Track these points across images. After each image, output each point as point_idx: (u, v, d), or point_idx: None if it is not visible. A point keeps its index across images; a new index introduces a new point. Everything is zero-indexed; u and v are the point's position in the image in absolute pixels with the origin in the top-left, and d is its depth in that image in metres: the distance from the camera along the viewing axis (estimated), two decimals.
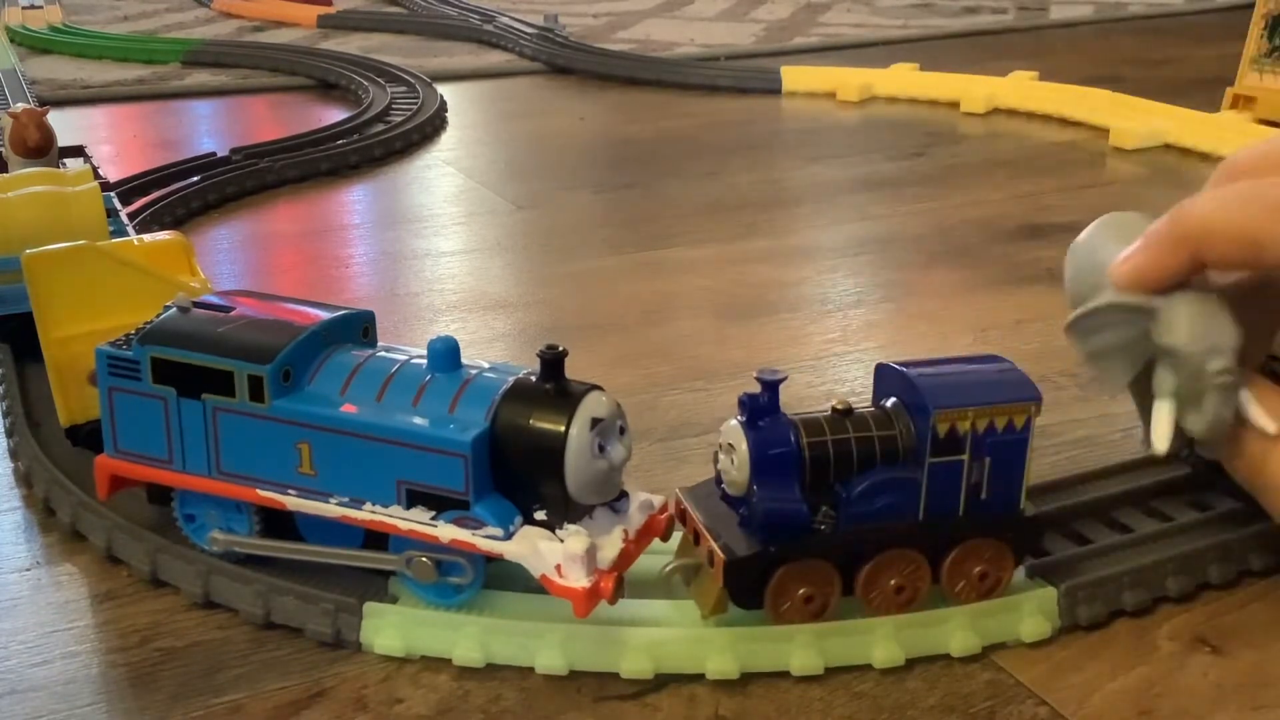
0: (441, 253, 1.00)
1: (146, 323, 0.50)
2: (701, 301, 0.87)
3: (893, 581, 0.47)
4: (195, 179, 1.09)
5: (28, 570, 0.54)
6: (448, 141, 1.34)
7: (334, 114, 1.40)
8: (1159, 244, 0.42)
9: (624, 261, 0.96)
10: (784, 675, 0.47)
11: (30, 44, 1.83)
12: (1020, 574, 0.50)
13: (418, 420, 0.46)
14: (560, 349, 0.46)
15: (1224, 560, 0.52)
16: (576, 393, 0.46)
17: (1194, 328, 0.41)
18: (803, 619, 0.47)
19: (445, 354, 0.47)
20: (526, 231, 1.06)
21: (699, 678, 0.46)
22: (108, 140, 1.37)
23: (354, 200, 1.15)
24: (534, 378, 0.47)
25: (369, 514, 0.47)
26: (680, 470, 0.62)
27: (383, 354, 0.49)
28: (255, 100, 1.57)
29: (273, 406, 0.47)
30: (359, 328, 0.51)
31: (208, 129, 1.47)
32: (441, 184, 1.19)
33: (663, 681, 0.46)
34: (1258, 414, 0.41)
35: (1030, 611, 0.48)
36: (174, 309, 0.50)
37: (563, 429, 0.45)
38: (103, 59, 1.72)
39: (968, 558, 0.48)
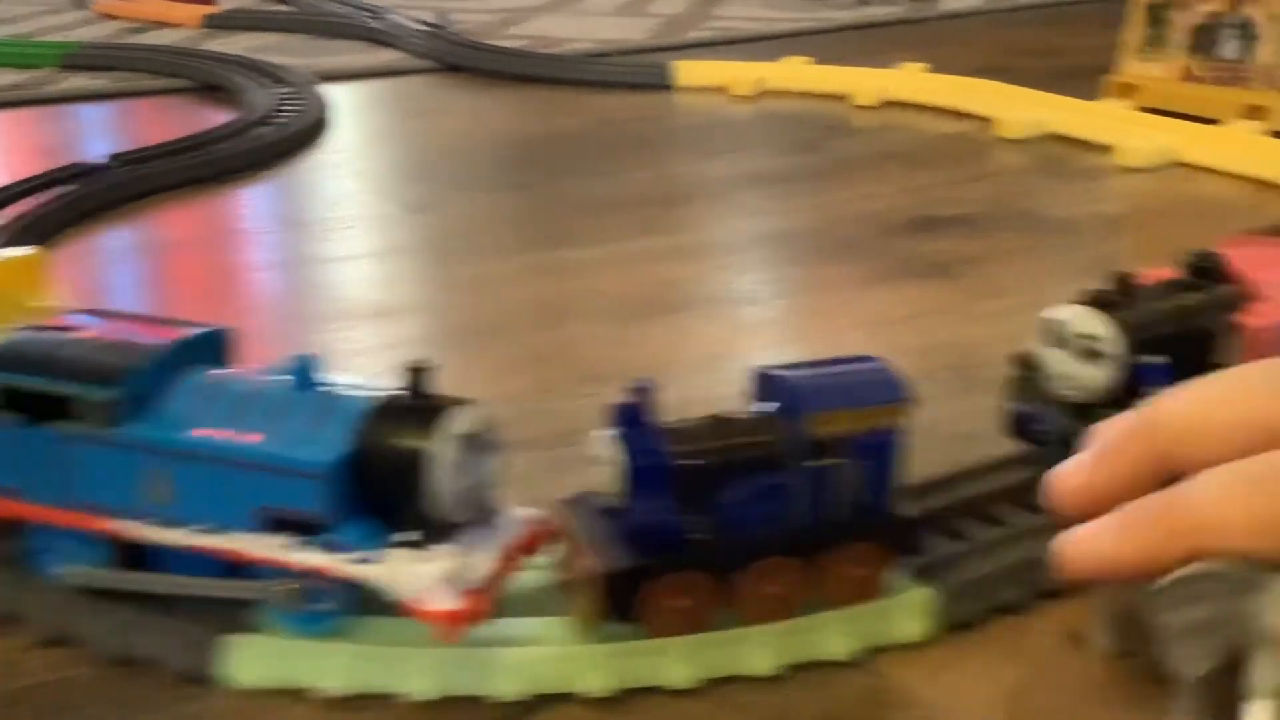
0: (330, 258, 0.97)
1: None
2: (595, 303, 0.86)
3: (770, 589, 0.47)
4: (72, 187, 1.05)
5: None
6: (337, 143, 1.31)
7: (219, 117, 1.36)
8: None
9: (517, 264, 0.94)
10: (661, 690, 0.46)
11: None
12: (898, 577, 0.49)
13: (276, 442, 0.44)
14: (425, 362, 0.45)
15: None
16: (442, 408, 0.44)
17: None
18: (680, 631, 0.46)
19: (304, 372, 0.46)
20: (417, 235, 1.04)
21: (574, 696, 0.45)
22: None
23: (239, 206, 1.12)
24: (400, 394, 0.45)
25: (227, 542, 0.45)
26: (566, 479, 0.60)
27: (239, 374, 0.47)
28: (137, 104, 1.52)
29: (123, 432, 0.45)
30: (216, 346, 0.49)
31: (87, 135, 1.42)
32: (330, 187, 1.17)
33: (538, 702, 0.45)
34: None
35: (908, 613, 0.48)
36: (19, 332, 0.48)
37: (428, 446, 0.43)
38: None
39: (845, 561, 0.48)
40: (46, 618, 0.48)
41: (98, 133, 1.42)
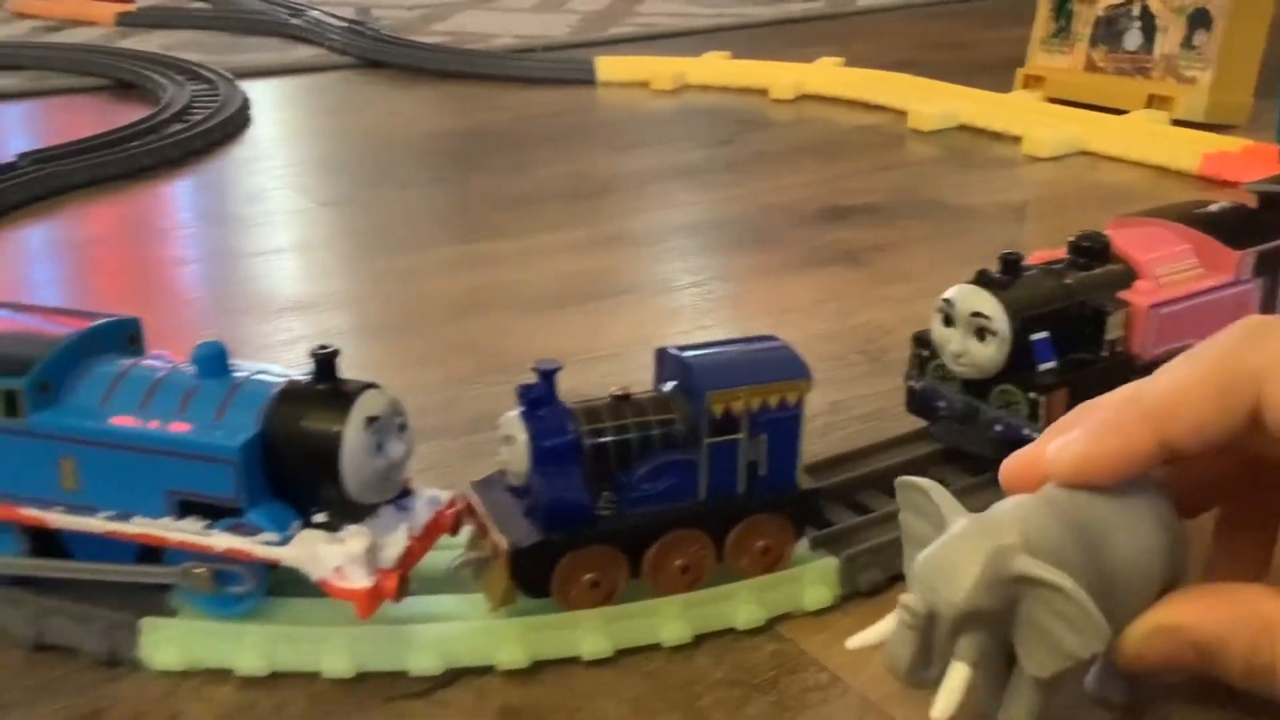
0: (243, 254, 0.97)
1: None
2: (509, 295, 0.87)
3: (678, 562, 0.48)
4: None
5: None
6: (251, 140, 1.31)
7: (132, 114, 1.35)
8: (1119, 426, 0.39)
9: (431, 258, 0.95)
10: (574, 661, 0.47)
11: None
12: (804, 546, 0.51)
13: (184, 428, 0.45)
14: (332, 348, 0.46)
15: None
16: (350, 391, 0.45)
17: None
18: (590, 604, 0.47)
19: (212, 359, 0.46)
20: (335, 229, 1.04)
21: (490, 670, 0.46)
22: None
23: (150, 204, 1.12)
24: (308, 379, 0.46)
25: (138, 527, 0.45)
26: (479, 465, 0.61)
27: (147, 362, 0.47)
28: (49, 103, 1.50)
29: (30, 421, 0.45)
30: (124, 336, 0.50)
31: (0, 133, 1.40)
32: (244, 184, 1.16)
33: (453, 676, 0.46)
34: None
35: (812, 581, 0.50)
36: None
37: (337, 429, 0.44)
38: None
39: (750, 534, 0.49)
40: None
41: (10, 131, 1.40)
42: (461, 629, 0.47)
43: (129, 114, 1.35)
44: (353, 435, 0.44)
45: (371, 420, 0.45)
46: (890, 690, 0.45)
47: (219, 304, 0.86)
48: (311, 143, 1.33)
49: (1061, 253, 0.59)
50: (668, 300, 0.85)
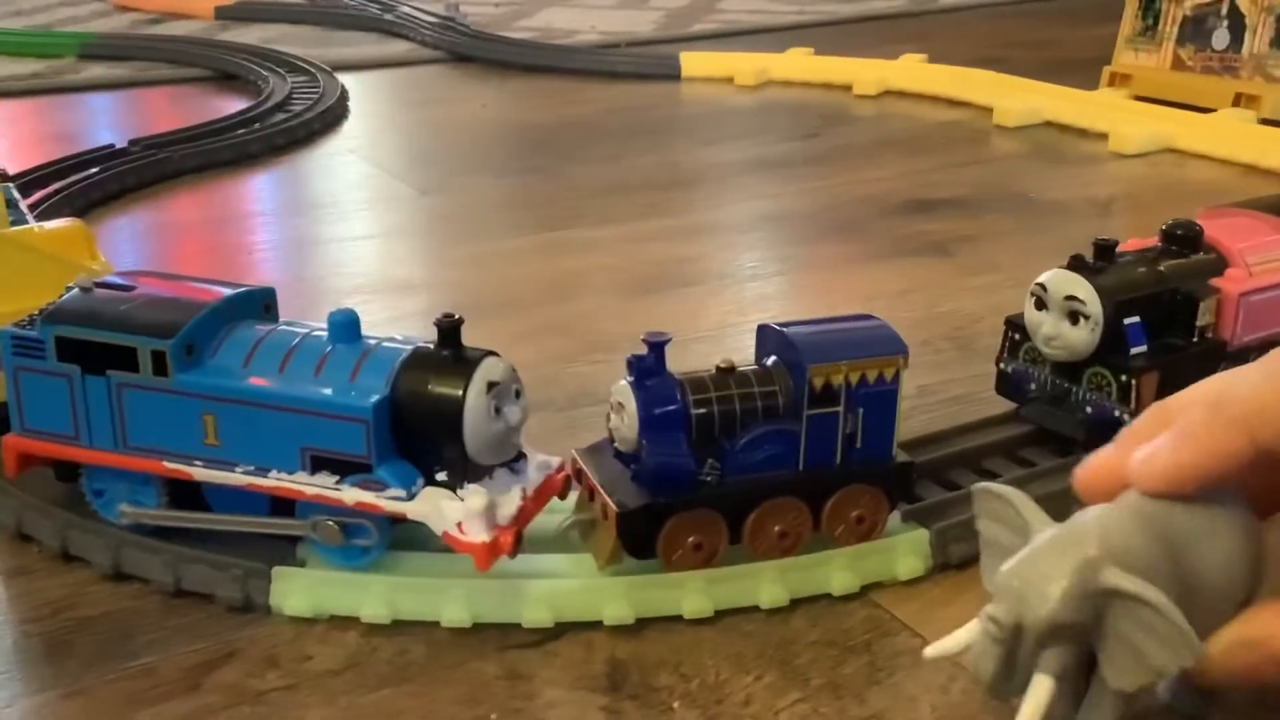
0: (346, 238, 1.01)
1: (49, 303, 0.51)
2: (603, 279, 0.89)
3: (776, 528, 0.50)
4: (94, 170, 1.09)
5: None
6: (350, 130, 1.35)
7: (234, 105, 1.39)
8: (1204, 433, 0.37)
9: (527, 243, 0.98)
10: (677, 619, 0.49)
11: None
12: (895, 518, 0.53)
13: (320, 389, 0.48)
14: (456, 316, 0.49)
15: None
16: (473, 358, 0.48)
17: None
18: (693, 566, 0.50)
19: (345, 326, 0.49)
20: (430, 216, 1.07)
21: (597, 625, 0.49)
22: (3, 135, 1.36)
23: (257, 189, 1.16)
24: (433, 346, 0.49)
25: (275, 481, 0.49)
26: (581, 437, 0.64)
27: (284, 328, 0.51)
28: (154, 92, 1.55)
29: (176, 380, 0.49)
30: (260, 304, 0.53)
31: (106, 122, 1.46)
32: (345, 171, 1.20)
33: (562, 629, 0.49)
34: None
35: (905, 552, 0.52)
36: (76, 289, 0.52)
37: (460, 393, 0.47)
38: None
39: (846, 503, 0.51)
40: (106, 555, 0.52)
41: (117, 119, 1.46)
42: (571, 585, 0.50)
43: (231, 104, 1.40)
44: (475, 399, 0.47)
45: (492, 385, 0.47)
46: None
47: (326, 284, 0.90)
48: (407, 133, 1.37)
49: (1154, 241, 0.60)
50: (757, 286, 0.87)
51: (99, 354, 0.49)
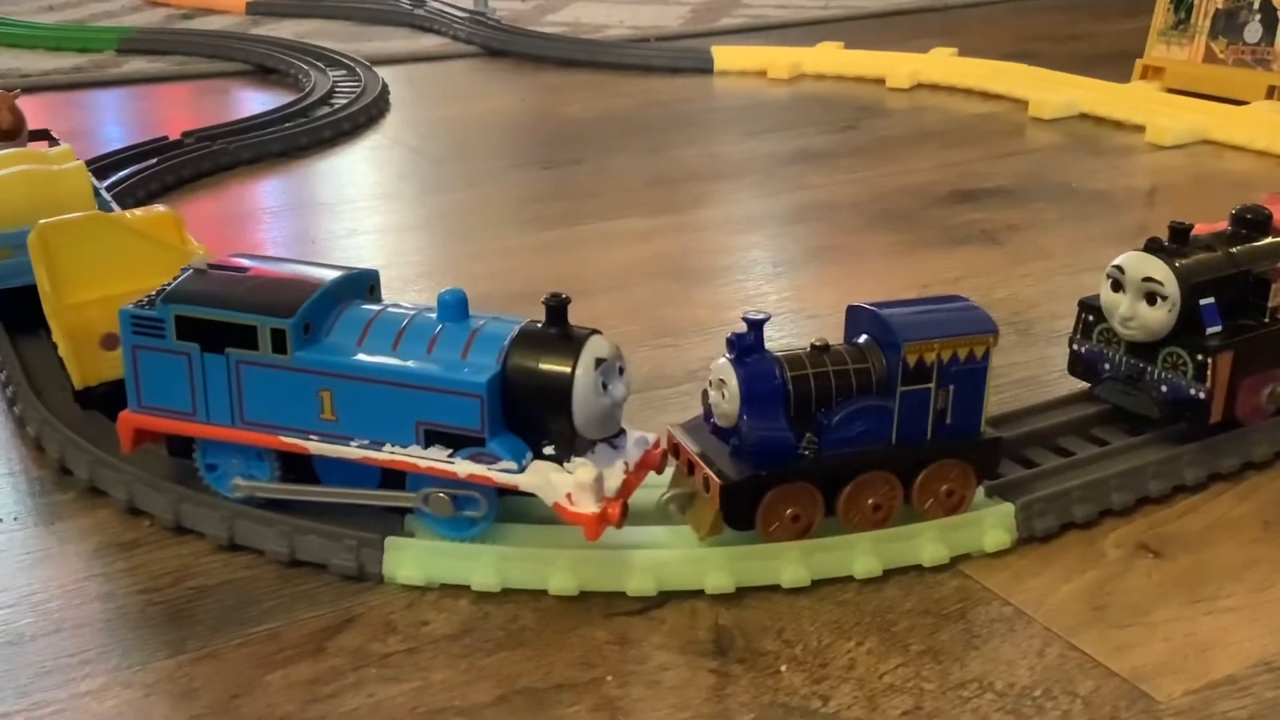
0: (403, 227, 1.03)
1: (167, 284, 0.53)
2: (659, 267, 0.91)
3: (870, 501, 0.52)
4: (153, 161, 1.10)
5: (52, 525, 0.56)
6: (393, 123, 1.37)
7: (273, 98, 1.41)
8: None
9: (581, 232, 0.99)
10: (775, 588, 0.51)
11: None
12: (979, 494, 0.55)
13: (434, 366, 0.50)
14: (564, 296, 0.50)
15: (1161, 476, 0.57)
16: (580, 336, 0.50)
17: None
18: (790, 537, 0.52)
19: (455, 305, 0.51)
20: (484, 206, 1.09)
21: (699, 593, 0.51)
22: (51, 127, 1.37)
23: (308, 180, 1.18)
24: (540, 324, 0.51)
25: (390, 454, 0.50)
26: (658, 418, 0.66)
27: (393, 308, 0.52)
28: (194, 86, 1.57)
29: (295, 357, 0.50)
30: (365, 285, 0.55)
31: (149, 114, 1.47)
32: (392, 164, 1.22)
33: (665, 598, 0.51)
34: None
35: (992, 525, 0.54)
36: (192, 271, 0.53)
37: (569, 369, 0.49)
38: (36, 49, 1.71)
39: (936, 478, 0.53)
40: (221, 527, 0.53)
41: (163, 111, 1.47)
42: (673, 556, 0.51)
43: (270, 98, 1.41)
44: (583, 375, 0.49)
45: (599, 362, 0.49)
46: (1071, 622, 0.49)
47: (385, 272, 0.91)
48: (449, 126, 1.39)
49: (1223, 225, 0.62)
50: (812, 273, 0.89)
51: (218, 332, 0.51)
